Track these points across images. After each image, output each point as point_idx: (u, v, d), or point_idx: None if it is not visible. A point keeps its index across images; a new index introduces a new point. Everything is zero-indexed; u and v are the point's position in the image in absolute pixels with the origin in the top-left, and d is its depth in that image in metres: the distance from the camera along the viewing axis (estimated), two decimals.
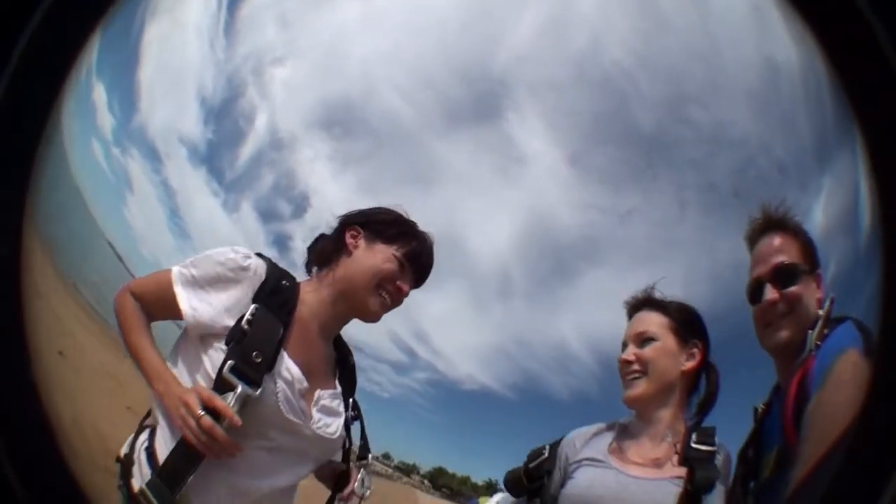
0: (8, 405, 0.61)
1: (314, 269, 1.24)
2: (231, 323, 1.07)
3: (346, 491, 1.20)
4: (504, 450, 1.42)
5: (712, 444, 1.22)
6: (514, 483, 1.31)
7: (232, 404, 0.98)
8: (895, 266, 0.57)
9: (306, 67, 1.90)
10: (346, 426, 1.21)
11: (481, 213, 1.38)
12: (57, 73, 0.65)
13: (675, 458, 1.21)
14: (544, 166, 1.38)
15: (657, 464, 1.23)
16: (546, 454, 1.28)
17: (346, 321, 1.23)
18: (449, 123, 1.48)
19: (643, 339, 1.31)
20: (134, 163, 1.96)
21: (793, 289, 1.20)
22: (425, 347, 1.34)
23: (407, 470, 1.55)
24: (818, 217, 1.60)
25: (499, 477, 1.48)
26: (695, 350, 1.33)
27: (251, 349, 1.03)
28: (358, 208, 1.28)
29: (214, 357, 1.06)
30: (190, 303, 1.09)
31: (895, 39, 0.53)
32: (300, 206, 1.61)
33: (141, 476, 1.01)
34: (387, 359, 1.39)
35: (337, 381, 1.23)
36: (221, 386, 1.00)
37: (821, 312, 1.15)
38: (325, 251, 1.23)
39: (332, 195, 1.54)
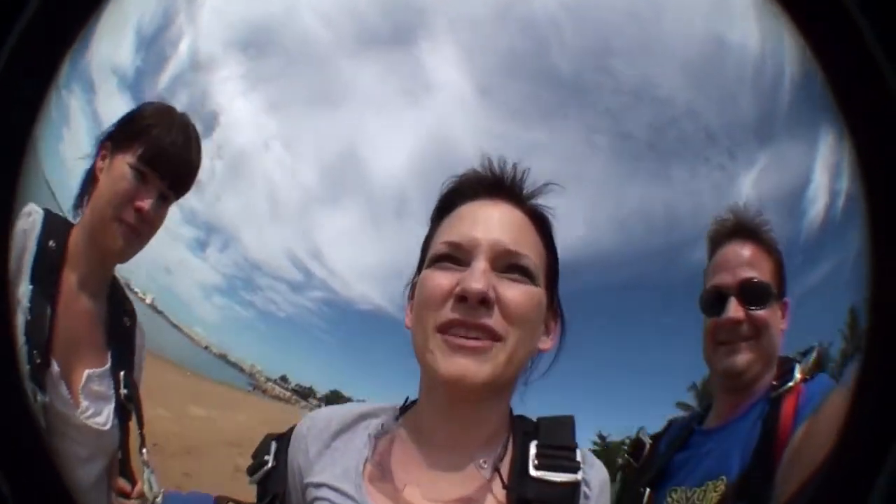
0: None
1: (78, 210, 1.05)
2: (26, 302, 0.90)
3: (135, 492, 1.00)
4: (398, 372, 1.43)
5: (571, 469, 0.67)
6: None
7: (40, 418, 0.85)
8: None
9: None
10: (121, 410, 1.00)
11: (383, 134, 1.38)
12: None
13: (501, 494, 0.67)
14: (452, 94, 1.38)
15: None
16: (271, 461, 0.74)
17: (105, 268, 1.03)
18: (362, 48, 1.47)
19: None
20: (73, 98, 1.94)
21: (762, 312, 1.05)
22: (320, 266, 1.34)
23: (304, 394, 1.55)
24: (745, 187, 1.65)
25: (395, 400, 1.50)
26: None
27: (32, 348, 0.88)
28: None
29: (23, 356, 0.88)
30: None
31: (877, 30, 0.53)
32: (209, 125, 1.58)
33: None
34: (283, 277, 1.39)
35: (110, 354, 1.03)
36: (32, 393, 0.86)
37: (795, 355, 1.04)
38: (81, 184, 1.04)
39: (240, 113, 1.52)
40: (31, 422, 0.64)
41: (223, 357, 1.59)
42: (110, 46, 1.99)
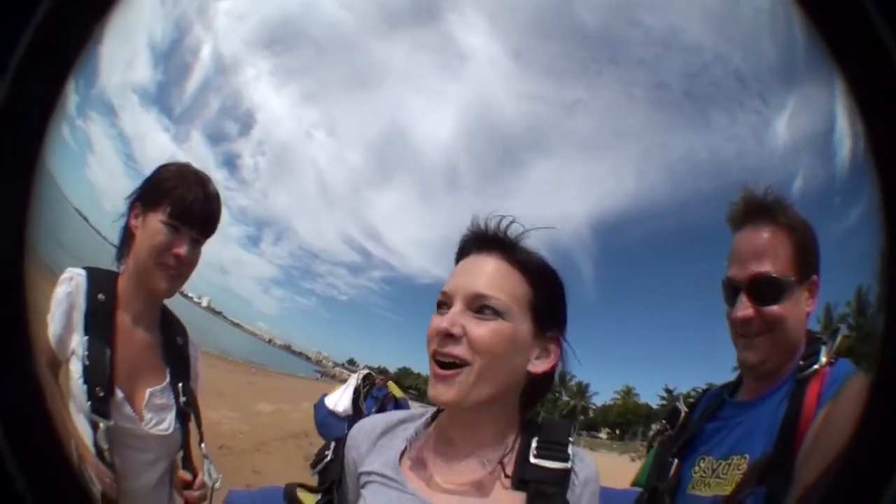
0: (13, 403, 0.60)
1: (120, 262, 1.17)
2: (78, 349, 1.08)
3: (197, 483, 1.14)
4: None
5: (562, 458, 0.82)
6: (289, 499, 0.98)
7: (103, 442, 1.03)
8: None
9: None
10: (181, 415, 1.15)
11: (424, 109, 1.37)
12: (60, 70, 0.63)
13: (507, 481, 0.81)
14: (486, 60, 1.37)
15: (479, 490, 0.83)
16: (330, 455, 0.91)
17: (155, 304, 1.18)
18: (388, 27, 1.46)
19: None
20: (94, 125, 1.98)
21: (773, 308, 0.99)
22: (378, 245, 1.35)
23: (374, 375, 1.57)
24: (781, 131, 1.61)
25: None
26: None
27: (94, 385, 1.05)
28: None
29: (78, 391, 1.06)
30: (50, 333, 1.06)
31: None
32: (246, 124, 1.59)
33: None
34: (341, 261, 1.39)
35: (168, 371, 1.18)
36: (94, 425, 1.04)
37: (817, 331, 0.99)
38: (120, 241, 1.16)
39: (277, 108, 1.52)
40: (48, 421, 0.65)
41: (287, 348, 1.61)
42: (123, 69, 2.02)
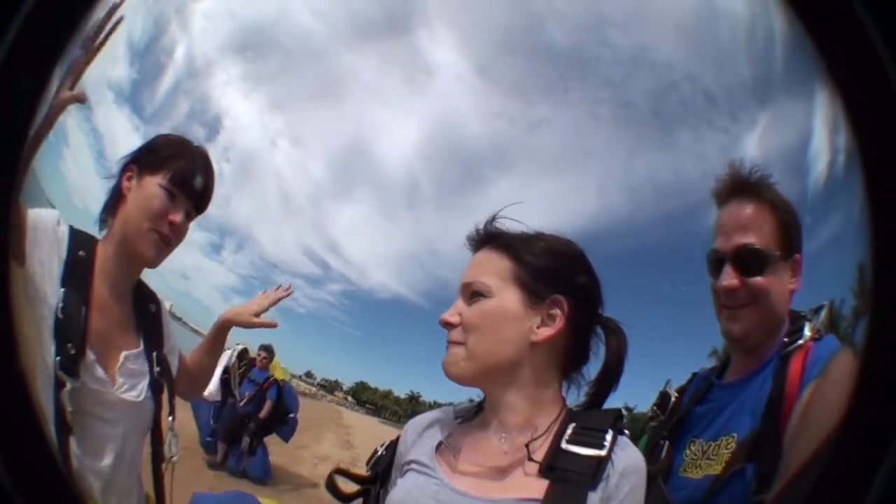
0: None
1: (104, 224, 1.15)
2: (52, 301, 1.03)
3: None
4: (423, 360, 1.44)
5: (597, 445, 0.78)
6: (330, 486, 0.97)
7: (67, 402, 0.97)
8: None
9: None
10: (154, 385, 1.12)
11: (389, 122, 1.38)
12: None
13: (532, 467, 0.80)
14: (452, 76, 1.38)
15: (501, 473, 0.82)
16: (381, 451, 0.97)
17: (134, 274, 1.14)
18: (359, 39, 1.47)
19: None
20: (70, 117, 1.96)
21: (758, 279, 1.00)
22: (337, 258, 1.35)
23: (330, 387, 1.57)
24: (750, 148, 1.64)
25: (419, 389, 1.50)
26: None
27: (66, 341, 1.00)
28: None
29: (46, 349, 1.01)
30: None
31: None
32: (213, 129, 1.59)
33: None
34: (300, 272, 1.39)
35: (142, 338, 1.14)
36: (59, 382, 0.98)
37: (806, 312, 1.01)
38: (107, 201, 1.14)
39: (244, 114, 1.52)
40: (34, 419, 0.65)
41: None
42: (102, 62, 2.00)
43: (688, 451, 1.06)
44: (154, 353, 1.13)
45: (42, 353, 0.98)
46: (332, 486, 0.96)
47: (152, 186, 1.08)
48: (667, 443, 1.07)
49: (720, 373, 1.14)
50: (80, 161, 1.93)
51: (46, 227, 1.04)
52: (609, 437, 0.79)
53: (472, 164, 1.39)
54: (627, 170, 1.62)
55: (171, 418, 1.14)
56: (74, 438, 0.98)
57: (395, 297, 1.39)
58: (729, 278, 1.00)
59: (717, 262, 1.03)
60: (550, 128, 1.46)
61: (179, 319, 1.75)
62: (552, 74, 1.56)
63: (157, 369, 1.12)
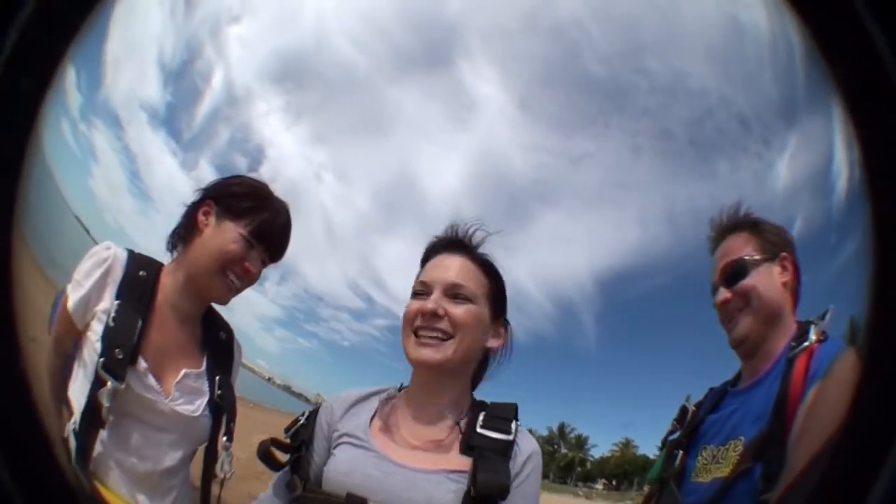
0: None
1: (174, 250, 1.18)
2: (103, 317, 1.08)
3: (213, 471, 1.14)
4: None
5: (505, 431, 0.96)
6: (263, 455, 1.05)
7: (105, 400, 1.03)
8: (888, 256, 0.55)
9: (261, 23, 1.89)
10: (214, 406, 1.14)
11: (433, 157, 1.39)
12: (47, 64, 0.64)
13: (455, 445, 0.97)
14: (495, 111, 1.39)
15: (437, 448, 0.97)
16: (302, 420, 1.06)
17: (201, 303, 1.18)
18: (401, 71, 1.48)
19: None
20: (98, 134, 1.97)
21: (743, 282, 1.10)
22: (382, 293, 1.36)
23: None
24: (782, 173, 1.64)
25: None
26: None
27: (114, 346, 1.05)
28: (216, 179, 1.21)
29: (93, 353, 1.07)
30: (73, 298, 1.08)
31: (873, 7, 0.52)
32: (256, 159, 1.60)
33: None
34: (345, 306, 1.40)
35: (205, 360, 1.18)
36: (98, 381, 1.04)
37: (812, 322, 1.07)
38: (180, 230, 1.17)
39: (287, 146, 1.53)
40: (36, 419, 0.65)
41: (286, 388, 1.61)
42: (131, 81, 2.00)
43: (700, 458, 1.11)
44: (218, 377, 1.16)
45: (87, 366, 1.04)
46: (265, 455, 1.05)
47: (233, 232, 1.11)
48: (681, 452, 1.15)
49: (734, 382, 1.20)
50: (112, 180, 1.94)
51: (94, 253, 1.10)
52: (514, 425, 0.97)
53: (516, 198, 1.40)
54: (667, 202, 1.62)
55: (224, 438, 1.16)
56: (106, 432, 1.04)
57: None
58: (721, 294, 1.11)
59: (714, 292, 1.14)
60: (592, 161, 1.47)
61: None
62: (592, 106, 1.57)
63: (218, 392, 1.15)
